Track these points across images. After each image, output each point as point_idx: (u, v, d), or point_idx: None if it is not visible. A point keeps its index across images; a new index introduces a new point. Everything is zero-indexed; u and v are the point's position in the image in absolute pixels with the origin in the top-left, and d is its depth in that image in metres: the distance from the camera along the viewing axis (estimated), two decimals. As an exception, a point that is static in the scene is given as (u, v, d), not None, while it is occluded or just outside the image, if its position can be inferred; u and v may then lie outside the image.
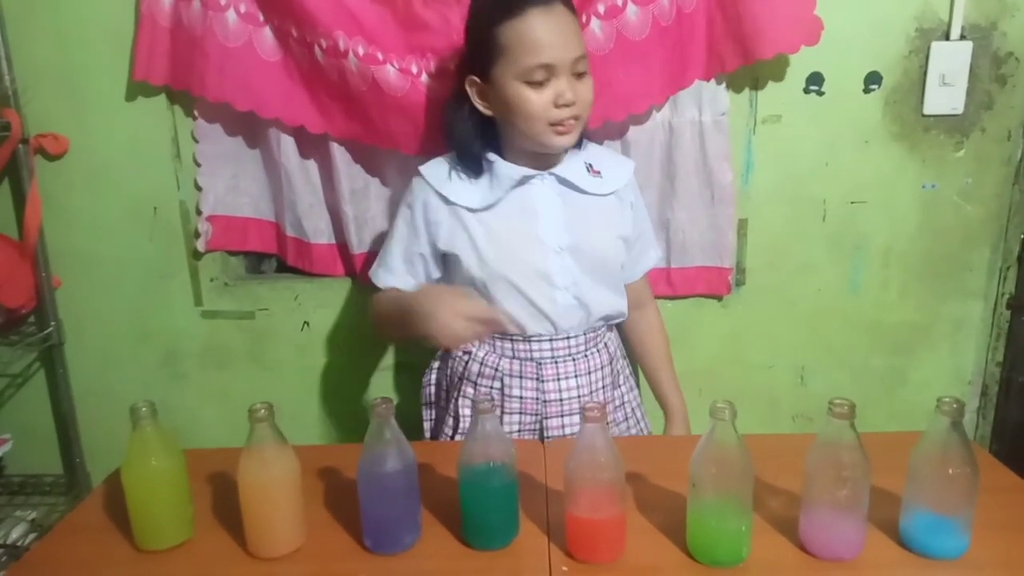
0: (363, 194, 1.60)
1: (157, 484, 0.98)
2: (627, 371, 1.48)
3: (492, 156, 1.30)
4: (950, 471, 0.90)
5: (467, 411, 1.36)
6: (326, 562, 0.97)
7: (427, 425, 1.48)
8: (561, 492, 0.96)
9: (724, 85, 1.52)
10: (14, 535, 1.66)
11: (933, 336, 1.68)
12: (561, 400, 1.33)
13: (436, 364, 1.46)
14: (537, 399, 1.33)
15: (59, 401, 1.77)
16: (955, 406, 0.89)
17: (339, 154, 1.55)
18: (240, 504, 0.97)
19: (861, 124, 1.56)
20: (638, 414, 1.47)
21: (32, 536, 1.67)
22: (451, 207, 1.30)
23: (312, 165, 1.60)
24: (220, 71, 1.47)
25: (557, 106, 1.20)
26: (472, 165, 1.31)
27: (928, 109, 1.54)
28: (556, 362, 1.33)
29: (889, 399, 1.71)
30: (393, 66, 1.43)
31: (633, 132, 1.55)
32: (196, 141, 1.60)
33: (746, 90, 1.54)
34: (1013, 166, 1.57)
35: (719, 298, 1.67)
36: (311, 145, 1.57)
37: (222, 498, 1.11)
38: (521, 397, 1.33)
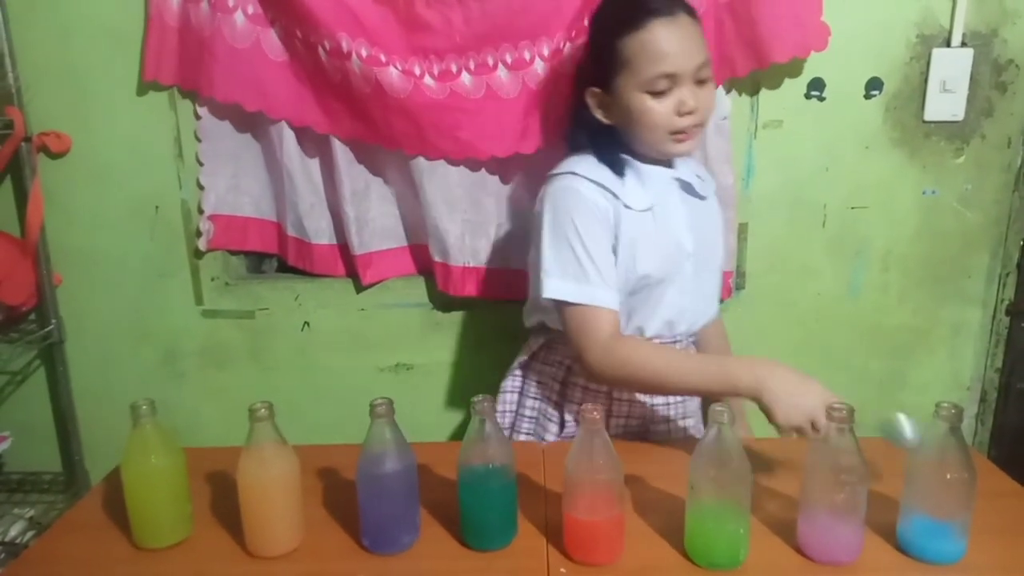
0: (364, 195, 1.61)
1: (156, 482, 0.99)
2: None
3: (630, 159, 1.27)
4: (948, 476, 0.90)
5: (570, 417, 1.35)
6: (324, 562, 0.98)
7: (508, 432, 1.41)
8: (560, 494, 0.96)
9: (726, 89, 1.52)
10: (13, 532, 1.67)
11: (932, 341, 1.68)
12: (668, 403, 1.33)
13: (518, 371, 1.42)
14: (645, 403, 1.32)
15: (59, 399, 1.77)
16: (953, 411, 0.89)
17: (341, 154, 1.55)
18: (239, 503, 0.97)
19: (862, 129, 1.56)
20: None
21: (31, 534, 1.67)
22: (619, 205, 1.23)
23: (314, 165, 1.60)
24: (229, 72, 1.48)
25: (679, 114, 1.20)
26: (614, 167, 1.26)
27: (929, 115, 1.54)
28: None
29: (887, 403, 1.71)
30: (396, 68, 1.44)
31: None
32: (199, 140, 1.60)
33: (748, 95, 1.55)
34: (1013, 173, 1.57)
35: (719, 301, 1.67)
36: (313, 145, 1.58)
37: (221, 497, 1.11)
38: (630, 400, 1.32)
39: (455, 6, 1.42)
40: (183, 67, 1.53)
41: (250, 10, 1.46)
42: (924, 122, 1.55)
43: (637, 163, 1.27)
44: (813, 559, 0.94)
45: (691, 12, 1.21)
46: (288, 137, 1.55)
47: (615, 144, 1.27)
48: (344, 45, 1.41)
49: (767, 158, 1.58)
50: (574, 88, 1.33)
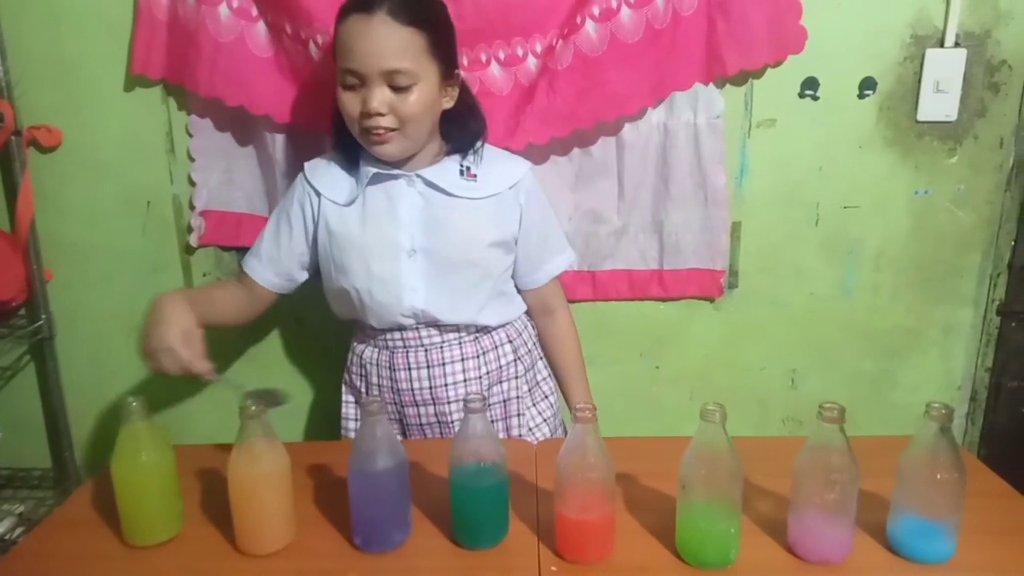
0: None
1: (147, 479, 0.98)
2: (537, 366, 1.47)
3: (362, 152, 1.30)
4: (938, 476, 0.90)
5: (347, 397, 1.46)
6: (315, 559, 0.97)
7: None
8: (552, 492, 0.96)
9: (719, 88, 1.52)
10: (2, 529, 1.65)
11: (924, 341, 1.69)
12: (413, 390, 1.35)
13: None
14: (392, 388, 1.36)
15: (49, 394, 1.76)
16: (944, 411, 0.89)
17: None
18: (229, 500, 0.97)
19: (855, 129, 1.56)
20: (532, 412, 1.44)
21: (20, 530, 1.66)
22: (322, 201, 1.32)
23: (305, 161, 1.59)
24: (212, 66, 1.47)
25: (362, 114, 1.21)
26: (344, 158, 1.33)
27: (922, 115, 1.54)
28: (407, 351, 1.35)
29: (879, 403, 1.72)
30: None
31: (628, 133, 1.55)
32: (190, 135, 1.59)
33: (741, 94, 1.55)
34: (1005, 173, 1.58)
35: (711, 300, 1.67)
36: (305, 141, 1.57)
37: (212, 494, 1.11)
38: (379, 386, 1.37)
39: (448, 2, 1.42)
40: (171, 61, 1.52)
41: (235, 3, 1.45)
42: (917, 122, 1.55)
43: (363, 157, 1.31)
44: (804, 558, 0.94)
45: (404, 17, 1.17)
46: (280, 133, 1.55)
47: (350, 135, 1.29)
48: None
49: (760, 157, 1.58)
50: None
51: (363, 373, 1.40)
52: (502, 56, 1.46)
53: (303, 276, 1.40)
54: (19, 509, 1.72)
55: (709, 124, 1.53)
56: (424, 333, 1.34)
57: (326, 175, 1.34)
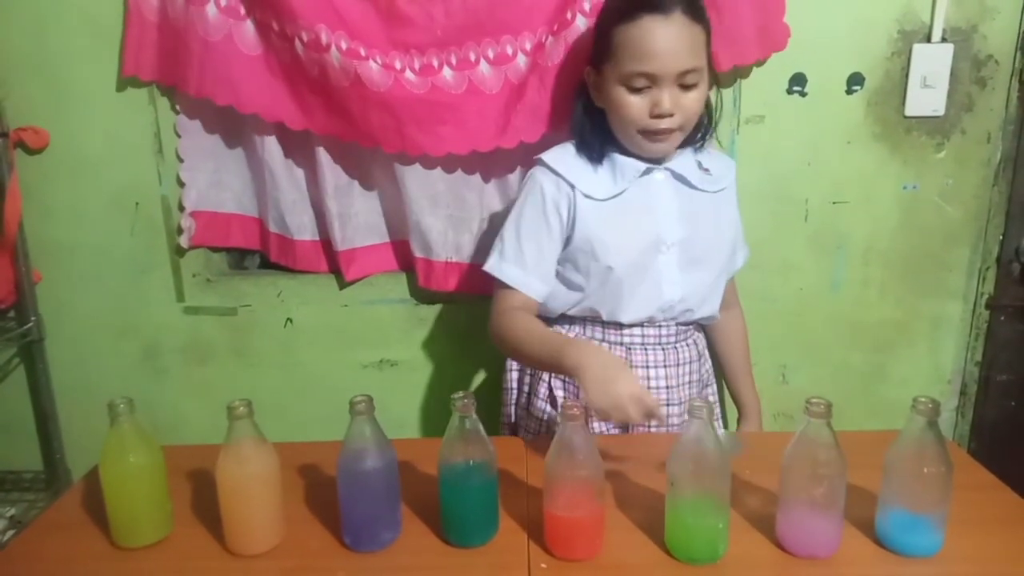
0: (347, 190, 1.60)
1: (135, 481, 0.98)
2: (712, 372, 1.49)
3: (612, 148, 1.30)
4: (925, 470, 0.90)
5: (548, 407, 1.37)
6: (305, 559, 0.97)
7: (506, 420, 1.48)
8: (541, 490, 0.96)
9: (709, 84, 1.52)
10: (-7, 531, 1.65)
11: (913, 335, 1.69)
12: (648, 388, 1.29)
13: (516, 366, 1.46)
14: None
15: (39, 396, 1.75)
16: (930, 406, 0.89)
17: (323, 150, 1.55)
18: (218, 501, 0.97)
19: (843, 125, 1.57)
20: (717, 412, 1.50)
21: (11, 532, 1.65)
22: (576, 195, 1.28)
23: (296, 161, 1.59)
24: (200, 65, 1.47)
25: (652, 116, 1.20)
26: (592, 154, 1.30)
27: (910, 110, 1.55)
28: (646, 349, 1.33)
29: (869, 397, 1.73)
30: (376, 62, 1.43)
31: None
32: (178, 136, 1.59)
33: (730, 90, 1.55)
34: (992, 168, 1.59)
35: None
36: (294, 141, 1.57)
37: (201, 495, 1.10)
38: None
39: (436, 0, 1.42)
40: (162, 62, 1.51)
41: (223, 2, 1.45)
42: (905, 117, 1.56)
43: (616, 152, 1.29)
44: (792, 553, 0.95)
45: (694, 14, 1.18)
46: (269, 132, 1.54)
47: (599, 129, 1.29)
48: (323, 38, 1.40)
49: (749, 153, 1.58)
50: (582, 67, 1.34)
51: None
52: (491, 55, 1.46)
53: (554, 280, 1.33)
54: (10, 511, 1.71)
55: (698, 120, 1.53)
56: (664, 331, 1.34)
57: (575, 169, 1.29)
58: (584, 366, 1.09)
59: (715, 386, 1.49)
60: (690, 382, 1.37)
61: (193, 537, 1.02)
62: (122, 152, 1.61)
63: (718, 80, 1.48)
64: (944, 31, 1.50)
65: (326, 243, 1.64)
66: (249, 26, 1.47)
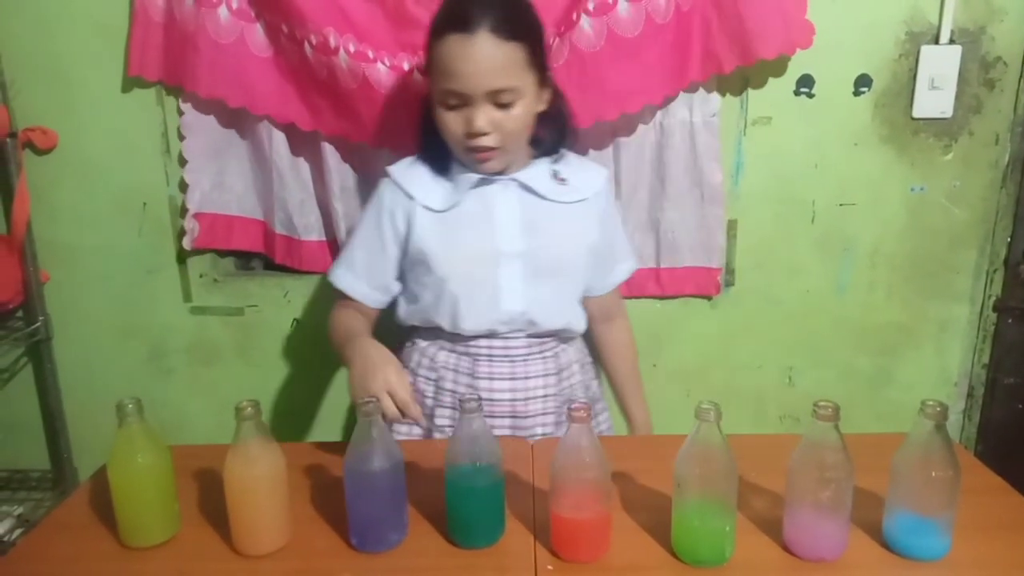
0: (354, 191, 1.60)
1: (143, 481, 0.98)
2: (594, 386, 1.47)
3: (453, 157, 1.28)
4: (932, 473, 0.90)
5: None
6: (311, 560, 0.97)
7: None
8: (548, 491, 0.96)
9: (715, 86, 1.52)
10: (1, 530, 1.66)
11: (919, 337, 1.69)
12: (492, 400, 1.31)
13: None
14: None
15: (46, 396, 1.76)
16: (938, 409, 0.89)
17: (330, 150, 1.55)
18: (226, 501, 0.97)
19: (851, 126, 1.56)
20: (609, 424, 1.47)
21: (19, 531, 1.66)
22: (415, 207, 1.28)
23: (302, 161, 1.59)
24: (212, 67, 1.47)
25: (467, 134, 1.19)
26: (435, 165, 1.30)
27: (917, 112, 1.54)
28: (492, 361, 1.32)
29: (875, 399, 1.72)
30: (384, 64, 1.43)
31: (624, 131, 1.55)
32: (182, 137, 1.59)
33: (737, 91, 1.55)
34: (1000, 170, 1.58)
35: (708, 298, 1.67)
36: (302, 141, 1.57)
37: (208, 495, 1.10)
38: (454, 392, 1.33)
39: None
40: (168, 62, 1.52)
41: (235, 5, 1.46)
42: (912, 119, 1.55)
43: (456, 163, 1.28)
44: (799, 556, 0.94)
45: (507, 32, 1.13)
46: (277, 133, 1.55)
47: (441, 140, 1.25)
48: (331, 40, 1.40)
49: (756, 155, 1.58)
50: None
51: (435, 377, 1.35)
52: (497, 55, 1.46)
53: (396, 287, 1.35)
54: (18, 510, 1.72)
55: (705, 122, 1.53)
56: (513, 343, 1.32)
57: (416, 180, 1.30)
58: (352, 360, 1.13)
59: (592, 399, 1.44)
60: (545, 396, 1.34)
61: (200, 537, 1.02)
62: (130, 153, 1.62)
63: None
64: (952, 33, 1.50)
65: (332, 244, 1.65)
66: (259, 28, 1.48)
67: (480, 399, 0.95)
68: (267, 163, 1.58)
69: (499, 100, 1.16)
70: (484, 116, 1.16)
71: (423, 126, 1.29)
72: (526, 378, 1.33)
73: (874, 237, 1.63)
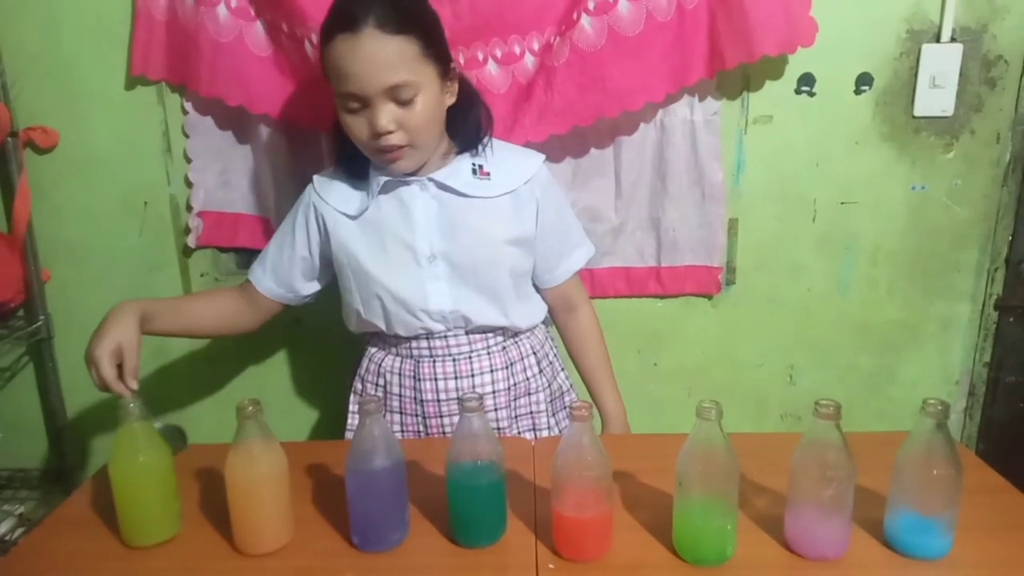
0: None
1: (144, 481, 0.98)
2: (560, 378, 1.45)
3: (367, 162, 1.26)
4: (934, 472, 0.90)
5: (354, 407, 1.38)
6: (313, 559, 0.98)
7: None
8: (549, 490, 0.96)
9: (716, 85, 1.52)
10: (2, 529, 1.65)
11: (921, 336, 1.69)
12: (439, 400, 1.31)
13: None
14: (415, 398, 1.32)
15: (48, 395, 1.76)
16: (940, 408, 0.89)
17: (330, 149, 1.55)
18: (227, 500, 0.97)
19: (852, 125, 1.56)
20: (551, 423, 1.41)
21: (20, 531, 1.66)
22: (332, 213, 1.29)
23: (304, 161, 1.59)
24: (212, 66, 1.47)
25: (372, 136, 1.16)
26: (352, 170, 1.29)
27: (918, 111, 1.54)
28: (434, 361, 1.31)
29: (877, 398, 1.72)
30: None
31: (625, 130, 1.55)
32: (187, 136, 1.59)
33: (738, 90, 1.55)
34: (1002, 168, 1.58)
35: (709, 297, 1.67)
36: (301, 140, 1.57)
37: (209, 494, 1.11)
38: (400, 396, 1.33)
39: (445, 3, 1.42)
40: (170, 62, 1.52)
41: (234, 3, 1.46)
42: (914, 117, 1.55)
43: (372, 167, 1.27)
44: (800, 555, 0.94)
45: (394, 26, 1.11)
46: (278, 132, 1.55)
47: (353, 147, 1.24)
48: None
49: (757, 153, 1.58)
50: None
51: (382, 383, 1.36)
52: (499, 54, 1.46)
53: (308, 288, 1.38)
54: (19, 510, 1.72)
55: (706, 120, 1.53)
56: (453, 341, 1.31)
57: (335, 187, 1.30)
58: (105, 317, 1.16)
59: (540, 395, 1.39)
60: (495, 392, 1.32)
61: (202, 536, 1.02)
62: (131, 152, 1.62)
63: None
64: (953, 31, 1.49)
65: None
66: (259, 27, 1.47)
67: (481, 398, 0.95)
68: (267, 163, 1.58)
69: (398, 97, 1.14)
70: (386, 115, 1.14)
71: (336, 133, 1.27)
72: (471, 375, 1.32)
73: (875, 236, 1.63)
